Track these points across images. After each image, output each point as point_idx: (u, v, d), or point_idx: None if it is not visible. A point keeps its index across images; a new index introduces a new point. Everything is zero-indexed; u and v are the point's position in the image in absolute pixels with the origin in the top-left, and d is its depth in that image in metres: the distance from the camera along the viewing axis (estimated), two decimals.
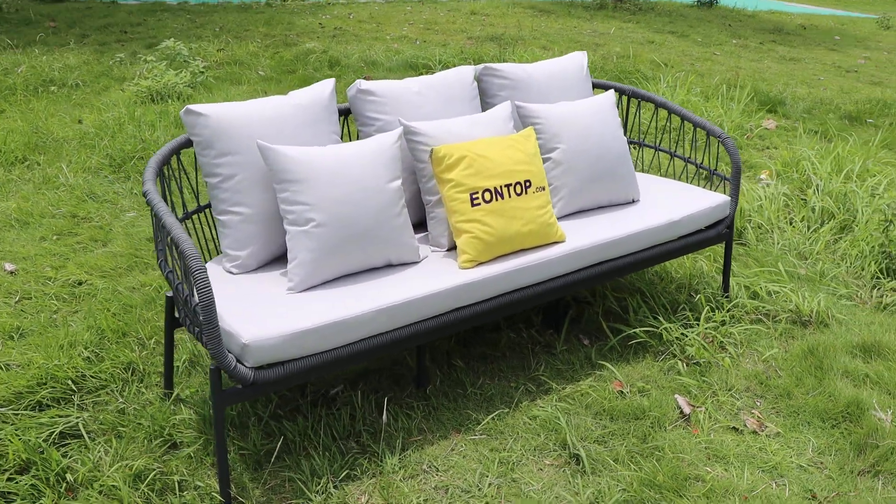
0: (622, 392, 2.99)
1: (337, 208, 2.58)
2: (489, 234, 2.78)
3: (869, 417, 2.86)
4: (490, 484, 2.54)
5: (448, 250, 2.93)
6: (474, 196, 2.78)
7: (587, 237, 3.03)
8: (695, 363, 3.18)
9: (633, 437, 2.74)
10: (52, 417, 2.70)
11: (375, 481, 2.53)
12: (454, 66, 7.40)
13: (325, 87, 2.92)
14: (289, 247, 2.59)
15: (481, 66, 3.36)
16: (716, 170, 3.61)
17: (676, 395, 2.97)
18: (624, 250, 3.11)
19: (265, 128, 2.70)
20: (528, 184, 2.89)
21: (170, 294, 2.71)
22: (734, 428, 2.85)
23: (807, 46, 10.85)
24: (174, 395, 2.85)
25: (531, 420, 2.84)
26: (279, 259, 2.83)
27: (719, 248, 4.12)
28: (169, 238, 2.29)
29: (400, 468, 2.58)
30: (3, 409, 2.71)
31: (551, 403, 2.92)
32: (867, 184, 4.60)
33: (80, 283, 3.59)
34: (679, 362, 3.16)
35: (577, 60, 3.57)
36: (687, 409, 2.90)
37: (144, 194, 2.48)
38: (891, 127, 6.51)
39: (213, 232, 4.06)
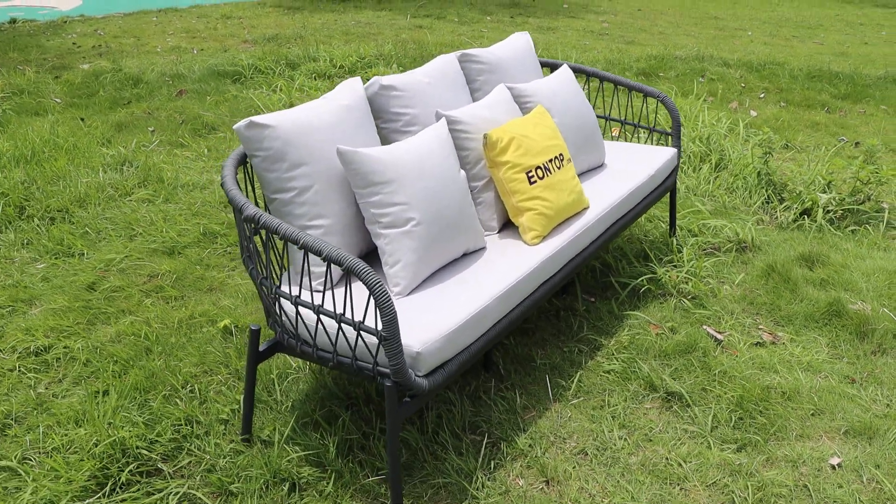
0: (660, 334, 3.26)
1: (429, 204, 2.54)
2: (549, 208, 2.88)
3: (850, 311, 3.40)
4: (619, 437, 2.67)
5: (499, 232, 2.97)
6: (530, 174, 2.86)
7: (603, 200, 3.24)
8: (692, 298, 3.53)
9: (698, 369, 3.02)
10: (151, 493, 2.36)
11: (520, 462, 2.55)
12: (270, 70, 7.17)
13: (356, 85, 2.81)
14: (386, 251, 2.50)
15: (458, 52, 3.41)
16: (654, 126, 3.98)
17: (704, 327, 3.30)
18: (628, 207, 3.37)
19: (326, 133, 2.55)
20: (561, 157, 3.02)
21: (255, 327, 2.48)
22: (757, 343, 3.23)
23: (550, 16, 11.89)
24: (255, 437, 2.62)
25: (608, 374, 3.00)
26: None
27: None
28: (322, 255, 2.11)
29: (531, 445, 2.62)
30: (93, 500, 2.32)
31: (612, 356, 3.10)
32: (717, 127, 5.29)
33: (45, 349, 3.09)
34: (682, 300, 3.50)
35: (525, 41, 3.73)
36: (720, 337, 3.24)
37: (239, 208, 2.25)
38: (680, 78, 7.45)
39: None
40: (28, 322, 3.25)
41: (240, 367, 2.98)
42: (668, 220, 4.29)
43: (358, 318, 2.33)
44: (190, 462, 2.51)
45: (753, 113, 6.51)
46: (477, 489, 2.44)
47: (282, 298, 2.42)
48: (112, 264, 3.72)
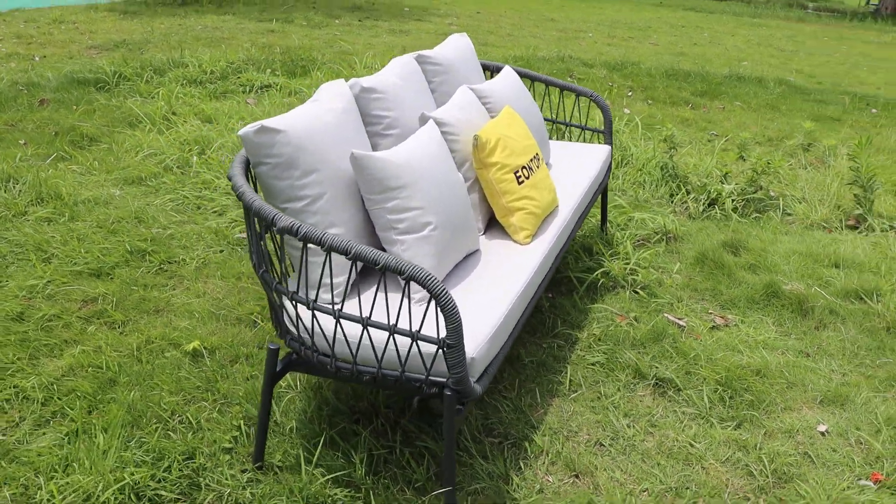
0: (629, 324, 3.37)
1: (442, 207, 2.49)
2: (537, 206, 2.91)
3: (785, 291, 3.68)
4: (626, 426, 2.74)
5: (484, 233, 2.97)
6: (517, 174, 2.88)
7: (569, 196, 3.31)
8: (642, 288, 3.68)
9: (675, 354, 3.16)
10: None
11: (542, 460, 2.56)
12: (136, 77, 6.71)
13: (344, 89, 2.70)
14: (404, 258, 2.42)
15: (414, 54, 3.35)
16: (586, 125, 4.11)
17: (665, 315, 3.46)
18: (587, 201, 3.46)
19: (331, 137, 2.44)
20: (538, 156, 3.06)
21: (273, 346, 2.33)
22: (714, 327, 3.43)
23: (397, 19, 11.92)
24: (266, 464, 2.46)
25: (593, 366, 3.07)
26: (364, 277, 2.59)
27: None
28: (379, 265, 2.01)
29: (551, 442, 2.64)
30: None
31: (592, 349, 3.18)
32: (615, 125, 5.55)
33: None
34: (634, 291, 3.64)
35: (466, 43, 3.74)
36: (682, 323, 3.40)
37: (250, 208, 2.10)
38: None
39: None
40: None
41: (224, 390, 2.77)
42: (596, 215, 4.44)
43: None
44: (211, 498, 2.31)
45: (626, 110, 6.88)
46: (514, 490, 2.43)
47: (318, 313, 2.28)
48: (35, 290, 3.35)
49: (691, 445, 2.66)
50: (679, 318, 3.44)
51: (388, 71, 3.04)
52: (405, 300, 2.39)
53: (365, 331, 2.15)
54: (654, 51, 10.68)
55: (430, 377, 2.15)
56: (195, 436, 2.54)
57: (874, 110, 7.56)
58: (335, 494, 2.34)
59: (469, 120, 2.96)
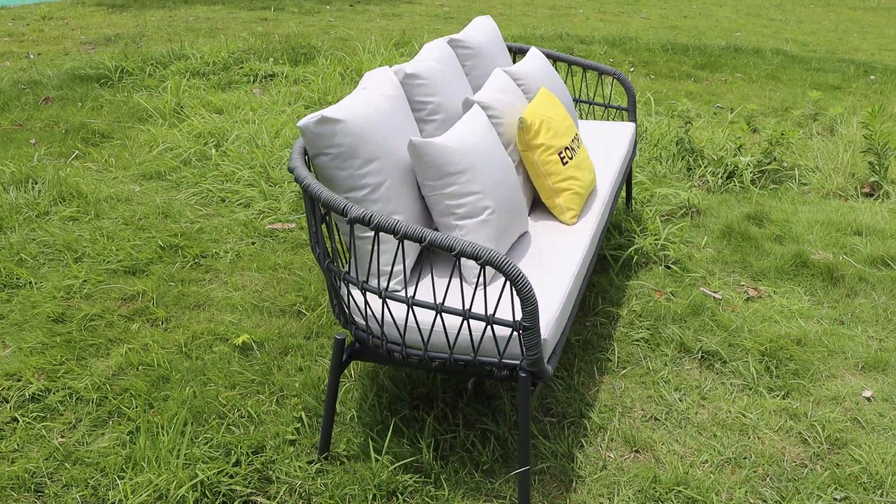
0: (667, 299, 3.41)
1: (499, 191, 2.51)
2: (581, 186, 2.93)
3: (814, 261, 3.73)
4: (678, 399, 2.78)
5: (529, 215, 2.98)
6: (562, 155, 2.89)
7: (604, 175, 3.33)
8: (674, 262, 3.72)
9: (715, 327, 3.20)
10: None
11: (601, 437, 2.60)
12: (139, 71, 6.64)
13: (390, 75, 2.70)
14: None
15: (446, 38, 3.35)
16: (609, 102, 4.13)
17: (701, 288, 3.50)
18: (621, 179, 3.49)
19: (386, 125, 2.44)
20: (577, 136, 3.08)
21: (340, 336, 2.34)
22: (748, 299, 3.47)
23: (389, 3, 11.85)
24: (329, 454, 2.48)
25: (638, 343, 3.11)
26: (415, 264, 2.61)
27: None
28: (456, 250, 2.03)
29: (608, 419, 2.67)
30: None
31: (634, 325, 3.21)
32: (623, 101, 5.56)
33: (42, 394, 2.73)
34: (667, 266, 3.68)
35: (492, 25, 3.73)
36: (717, 296, 3.45)
37: (318, 199, 2.10)
38: None
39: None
40: (5, 366, 2.85)
41: (279, 382, 2.79)
42: (622, 192, 4.46)
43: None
44: (284, 490, 2.33)
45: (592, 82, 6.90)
46: (578, 468, 2.46)
47: (390, 301, 2.29)
48: (73, 291, 3.34)
49: (744, 416, 2.71)
50: (714, 292, 3.48)
51: (427, 56, 3.03)
52: (477, 284, 2.40)
53: (438, 317, 2.17)
54: (647, 25, 10.69)
55: (504, 360, 2.17)
56: (258, 429, 2.56)
57: (873, 77, 7.61)
58: (405, 481, 2.36)
59: (510, 102, 2.96)
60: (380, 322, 2.25)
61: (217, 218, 4.04)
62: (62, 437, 2.55)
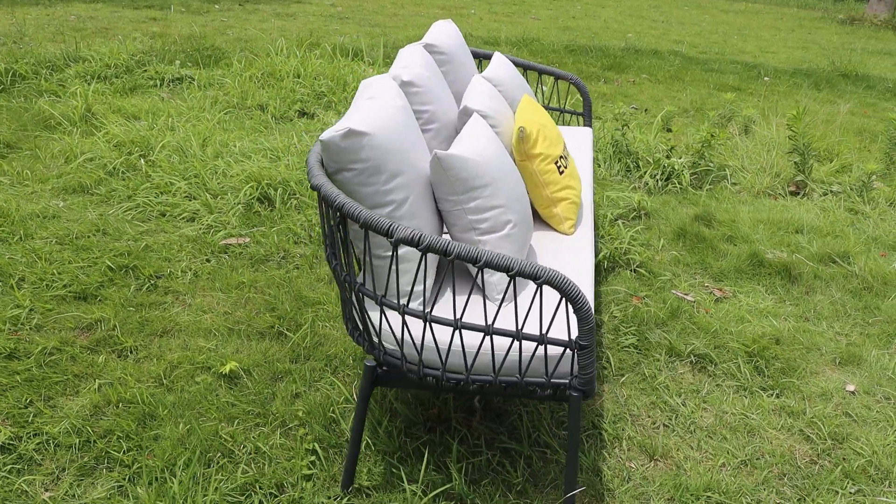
0: (644, 303, 3.45)
1: (518, 204, 2.45)
2: (576, 195, 2.91)
3: (769, 260, 3.87)
4: (681, 403, 2.81)
5: None
6: (558, 164, 2.86)
7: (584, 181, 3.33)
8: (638, 266, 3.77)
9: (697, 330, 3.26)
10: None
11: (617, 448, 2.59)
12: (33, 75, 6.12)
13: (393, 83, 2.58)
14: None
15: (421, 43, 3.25)
16: (564, 107, 4.13)
17: (674, 291, 3.56)
18: (590, 182, 3.50)
19: (407, 136, 2.32)
20: (565, 145, 3.05)
21: (370, 363, 2.22)
22: (717, 300, 3.57)
23: (279, 2, 11.49)
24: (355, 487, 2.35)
25: (629, 348, 3.12)
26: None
27: None
28: (514, 270, 1.94)
29: (621, 428, 2.67)
30: None
31: (619, 332, 3.23)
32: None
33: (12, 442, 2.44)
34: (632, 270, 3.72)
35: (455, 30, 3.65)
36: (690, 298, 3.52)
37: (357, 220, 1.98)
38: None
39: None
40: None
41: (280, 412, 2.61)
42: None
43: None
44: None
45: (544, 87, 6.98)
46: (607, 481, 2.44)
47: (433, 324, 2.17)
48: (20, 322, 3.01)
49: (746, 417, 2.77)
50: (685, 294, 3.55)
51: (414, 63, 2.92)
52: (534, 304, 2.31)
53: (489, 337, 2.08)
54: (540, 25, 10.87)
55: (553, 380, 2.11)
56: (271, 466, 2.39)
57: (767, 78, 8.04)
58: None
59: (501, 110, 2.90)
60: (418, 347, 2.14)
61: (162, 234, 3.76)
62: (47, 490, 2.29)
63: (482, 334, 2.11)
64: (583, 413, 2.73)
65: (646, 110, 6.56)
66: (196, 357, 2.87)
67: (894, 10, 14.87)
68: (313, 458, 2.41)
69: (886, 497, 2.44)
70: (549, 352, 2.10)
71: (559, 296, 2.30)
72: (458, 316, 2.10)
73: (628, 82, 7.46)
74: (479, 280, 2.35)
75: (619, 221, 4.25)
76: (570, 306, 2.04)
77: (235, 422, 2.57)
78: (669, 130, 5.84)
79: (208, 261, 3.56)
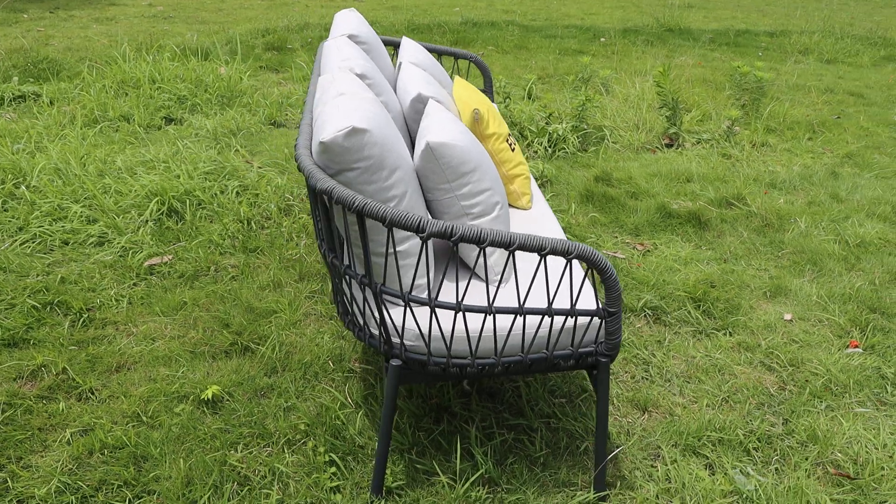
0: (583, 266, 3.58)
1: (498, 184, 2.48)
2: (527, 170, 2.98)
3: (676, 210, 4.13)
4: (650, 355, 2.98)
5: None
6: (510, 142, 2.91)
7: None
8: (563, 230, 3.91)
9: (639, 284, 3.44)
10: None
11: (610, 406, 2.71)
12: None
13: (355, 77, 2.51)
14: None
15: (345, 34, 3.17)
16: None
17: (605, 251, 3.72)
18: None
19: (395, 129, 2.29)
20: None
21: (396, 363, 2.19)
22: (643, 254, 3.78)
23: (92, 6, 10.68)
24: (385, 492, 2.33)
25: None
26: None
27: None
28: (546, 248, 1.98)
29: None
30: None
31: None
32: None
33: None
34: None
35: (362, 18, 3.59)
36: (620, 256, 3.70)
37: (417, 226, 1.96)
38: (312, 45, 7.53)
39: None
40: None
41: (279, 428, 2.51)
42: None
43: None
44: None
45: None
46: (615, 439, 2.55)
47: (445, 314, 2.15)
48: None
49: (711, 358, 2.97)
50: (615, 252, 3.73)
51: (351, 55, 2.86)
52: (563, 278, 2.34)
53: (520, 317, 2.11)
54: (368, 6, 10.82)
55: (580, 349, 2.18)
56: (297, 486, 2.30)
57: (603, 39, 8.47)
58: (479, 496, 2.28)
59: (443, 95, 2.91)
60: (447, 340, 2.13)
61: (73, 264, 3.46)
62: None
63: (511, 316, 2.13)
64: (565, 378, 2.83)
65: (507, 82, 6.73)
66: (167, 388, 2.69)
67: None
68: (333, 469, 2.35)
69: (853, 408, 2.72)
70: (576, 322, 2.16)
71: (562, 268, 2.37)
72: (491, 301, 2.10)
73: (479, 55, 7.61)
74: (478, 263, 2.37)
75: None
76: (593, 275, 2.11)
77: (238, 446, 2.44)
78: (531, 97, 6.03)
79: (135, 285, 3.32)
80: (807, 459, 2.47)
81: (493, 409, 2.65)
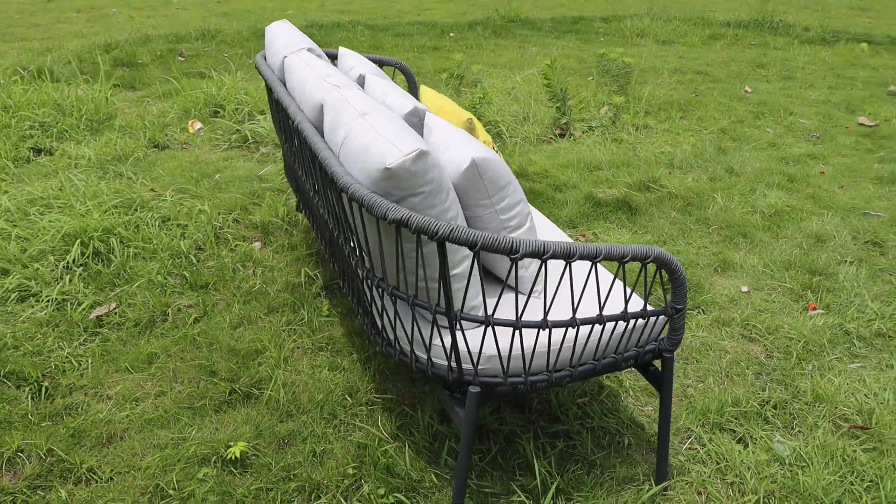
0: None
1: (523, 193, 2.46)
2: None
3: (603, 199, 4.27)
4: None
5: None
6: (495, 150, 2.89)
7: None
8: None
9: None
10: None
11: (625, 399, 2.79)
12: None
13: (366, 94, 2.38)
14: None
15: (306, 48, 3.00)
16: None
17: None
18: None
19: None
20: None
21: (475, 389, 2.12)
22: None
23: None
24: None
25: None
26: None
27: None
28: (628, 256, 1.98)
29: (616, 383, 2.86)
30: None
31: None
32: None
33: None
34: None
35: (296, 29, 3.41)
36: None
37: (475, 244, 1.90)
38: (164, 58, 7.03)
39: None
40: None
41: (325, 475, 2.36)
42: None
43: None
44: None
45: None
46: (648, 428, 2.61)
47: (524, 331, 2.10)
48: None
49: (698, 336, 3.12)
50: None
51: (330, 70, 2.71)
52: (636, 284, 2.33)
53: (581, 328, 2.11)
54: (198, 16, 10.29)
55: (645, 346, 2.21)
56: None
57: (452, 34, 8.55)
58: None
59: (418, 103, 2.83)
60: (527, 358, 2.09)
61: (6, 325, 3.04)
62: None
63: (589, 326, 2.13)
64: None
65: None
66: (180, 453, 2.44)
67: None
68: None
69: (834, 365, 2.95)
70: (639, 323, 2.19)
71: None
72: (574, 314, 2.07)
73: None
74: (513, 275, 2.34)
75: None
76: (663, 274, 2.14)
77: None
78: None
79: (88, 342, 2.98)
80: (822, 418, 2.66)
81: (527, 420, 2.63)
